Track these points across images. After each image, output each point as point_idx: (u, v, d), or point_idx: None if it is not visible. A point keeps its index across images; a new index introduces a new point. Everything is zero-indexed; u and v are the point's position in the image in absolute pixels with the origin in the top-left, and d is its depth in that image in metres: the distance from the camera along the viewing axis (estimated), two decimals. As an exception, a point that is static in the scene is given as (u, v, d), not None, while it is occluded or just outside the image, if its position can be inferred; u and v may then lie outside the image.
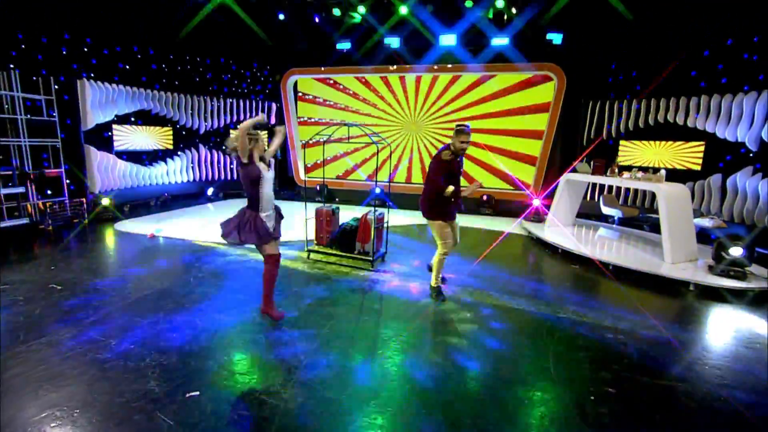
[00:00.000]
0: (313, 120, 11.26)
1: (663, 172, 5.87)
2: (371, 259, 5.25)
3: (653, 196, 8.03)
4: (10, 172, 6.25)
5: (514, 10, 9.07)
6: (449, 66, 9.82)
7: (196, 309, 3.86)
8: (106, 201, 7.41)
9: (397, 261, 5.56)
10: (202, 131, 10.15)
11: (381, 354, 3.17)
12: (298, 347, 3.22)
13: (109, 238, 6.35)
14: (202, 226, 7.24)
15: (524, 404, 2.63)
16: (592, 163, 6.68)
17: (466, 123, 4.01)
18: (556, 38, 8.87)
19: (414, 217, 8.60)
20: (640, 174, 5.94)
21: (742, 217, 6.60)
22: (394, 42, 10.03)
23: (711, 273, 4.89)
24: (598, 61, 8.79)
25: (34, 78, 6.62)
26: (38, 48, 6.90)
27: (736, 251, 4.72)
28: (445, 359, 3.12)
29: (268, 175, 3.42)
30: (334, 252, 5.57)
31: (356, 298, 4.26)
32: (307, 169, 11.48)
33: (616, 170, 6.41)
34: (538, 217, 7.92)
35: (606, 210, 7.93)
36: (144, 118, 8.86)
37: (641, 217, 7.94)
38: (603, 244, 6.39)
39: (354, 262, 5.41)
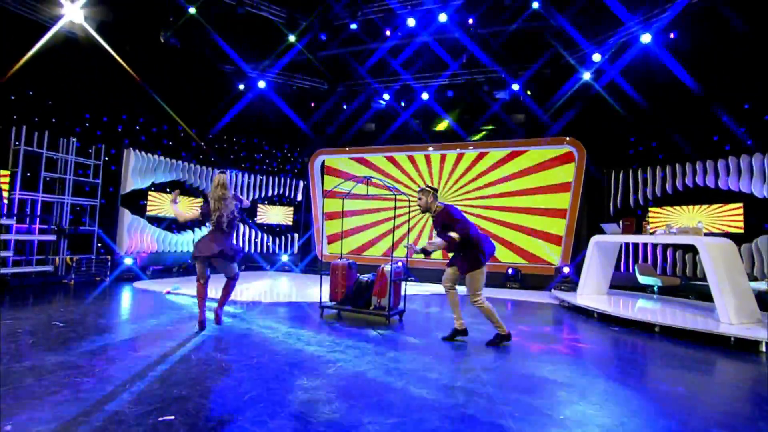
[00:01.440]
0: (338, 190, 11.63)
1: (701, 224, 5.49)
2: (386, 314, 4.90)
3: (694, 262, 7.43)
4: (47, 227, 6.63)
5: (529, 93, 9.75)
6: (465, 143, 10.28)
7: (191, 346, 3.59)
8: (128, 260, 7.58)
9: (415, 323, 5.13)
10: (231, 204, 10.65)
11: None
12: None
13: (125, 293, 6.33)
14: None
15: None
16: (621, 222, 6.39)
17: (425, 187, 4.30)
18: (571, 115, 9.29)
19: (435, 288, 8.22)
20: (675, 229, 5.57)
21: (803, 280, 5.90)
22: (415, 123, 10.80)
23: (779, 331, 4.21)
24: (616, 134, 8.99)
25: (90, 150, 7.42)
26: (99, 125, 7.84)
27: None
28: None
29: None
30: (348, 308, 5.23)
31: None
32: (329, 239, 11.56)
33: (648, 228, 6.06)
34: (568, 286, 7.38)
35: (643, 280, 7.34)
36: (179, 189, 9.47)
37: (684, 286, 7.24)
38: (645, 310, 5.77)
39: (370, 318, 5.06)
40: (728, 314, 4.68)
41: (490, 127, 10.17)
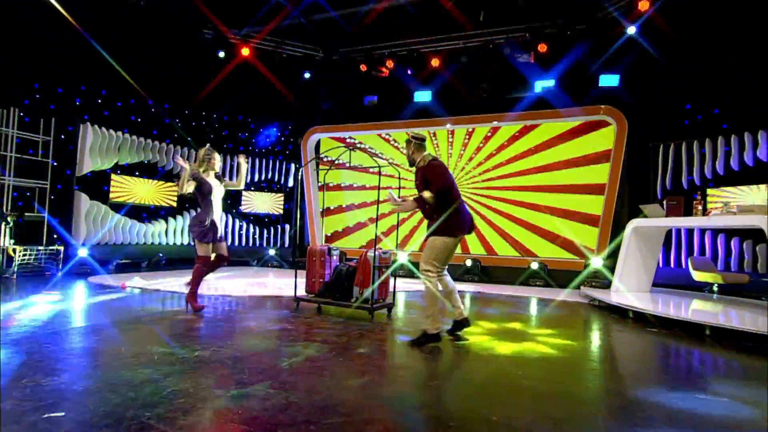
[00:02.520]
0: (335, 185, 11.30)
1: (769, 202, 4.76)
2: (369, 307, 4.48)
3: (768, 256, 6.61)
4: (-12, 212, 6.52)
5: (557, 54, 9.04)
6: (484, 116, 9.67)
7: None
8: (83, 252, 7.42)
9: (405, 321, 4.65)
10: (211, 190, 10.45)
11: None
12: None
13: (77, 288, 6.14)
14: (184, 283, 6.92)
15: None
16: (665, 203, 5.69)
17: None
18: (610, 80, 8.56)
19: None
20: (735, 208, 4.85)
21: None
22: (425, 95, 10.28)
23: None
24: (667, 101, 8.18)
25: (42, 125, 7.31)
26: (53, 96, 7.73)
27: None
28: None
29: (217, 190, 4.56)
30: (326, 300, 4.84)
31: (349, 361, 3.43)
32: (327, 239, 11.23)
33: (699, 208, 5.34)
34: (600, 282, 6.72)
35: (698, 276, 6.58)
36: (149, 171, 9.32)
37: (755, 284, 6.44)
38: (696, 311, 5.09)
39: (352, 312, 4.68)
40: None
41: (516, 96, 9.48)
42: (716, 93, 7.58)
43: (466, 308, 5.59)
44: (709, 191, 7.40)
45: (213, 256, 4.58)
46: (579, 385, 2.78)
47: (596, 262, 6.98)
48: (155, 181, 9.39)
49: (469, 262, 8.88)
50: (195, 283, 4.57)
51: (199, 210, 4.58)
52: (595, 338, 4.29)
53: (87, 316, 4.34)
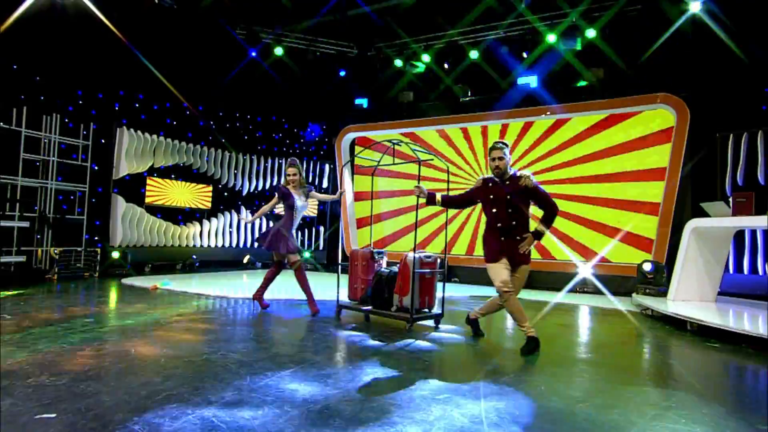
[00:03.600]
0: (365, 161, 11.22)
1: None
2: (409, 317, 4.20)
3: None
4: (34, 214, 7.02)
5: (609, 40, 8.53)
6: (528, 109, 9.29)
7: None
8: (116, 254, 7.82)
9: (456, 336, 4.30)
10: (245, 192, 10.75)
11: None
12: None
13: (111, 289, 6.47)
14: (222, 285, 7.14)
15: None
16: (732, 200, 5.17)
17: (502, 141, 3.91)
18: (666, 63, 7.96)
19: (479, 290, 7.46)
20: (816, 205, 4.31)
21: None
22: (463, 89, 10.04)
23: None
24: (735, 85, 7.49)
25: (84, 130, 7.80)
26: (93, 102, 8.24)
27: None
28: None
29: (299, 204, 4.91)
30: (367, 309, 4.62)
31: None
32: (376, 244, 11.19)
33: (775, 206, 4.80)
34: (656, 290, 6.24)
35: (778, 284, 5.95)
36: (184, 174, 9.71)
37: None
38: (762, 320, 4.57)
39: (395, 323, 4.52)
40: None
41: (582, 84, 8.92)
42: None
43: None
44: (789, 187, 6.69)
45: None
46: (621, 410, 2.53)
47: (649, 267, 6.47)
48: (190, 184, 9.78)
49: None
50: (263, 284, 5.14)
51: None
52: (647, 353, 3.94)
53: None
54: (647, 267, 6.38)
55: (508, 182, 3.70)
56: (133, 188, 8.77)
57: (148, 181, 9.04)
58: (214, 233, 10.24)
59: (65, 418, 2.05)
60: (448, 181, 5.06)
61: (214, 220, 10.25)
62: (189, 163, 9.73)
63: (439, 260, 4.63)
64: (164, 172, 9.40)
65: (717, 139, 7.58)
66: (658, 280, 6.30)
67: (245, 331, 4.09)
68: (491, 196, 3.73)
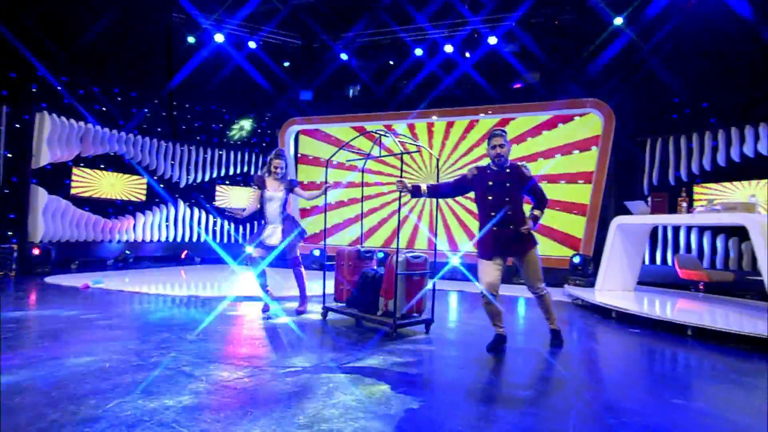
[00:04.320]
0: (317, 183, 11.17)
1: (755, 199, 4.81)
2: (391, 323, 3.88)
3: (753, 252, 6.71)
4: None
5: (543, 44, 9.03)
6: (468, 109, 9.64)
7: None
8: (36, 251, 7.20)
9: (445, 343, 3.89)
10: (182, 184, 10.25)
11: None
12: None
13: (32, 289, 5.94)
14: (161, 282, 6.78)
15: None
16: (650, 199, 5.72)
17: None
18: (596, 72, 8.58)
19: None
20: (719, 205, 4.90)
21: None
22: (406, 85, 10.18)
23: None
24: (655, 95, 8.24)
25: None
26: (5, 82, 7.45)
27: None
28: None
29: (269, 194, 4.65)
30: (350, 312, 4.40)
31: None
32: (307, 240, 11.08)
33: (685, 206, 5.38)
34: (584, 281, 6.77)
35: (684, 274, 6.67)
36: (115, 164, 9.07)
37: (740, 283, 6.54)
38: (680, 310, 5.14)
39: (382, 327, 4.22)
40: (786, 315, 4.04)
41: (501, 87, 9.40)
42: (705, 86, 7.65)
43: (448, 307, 5.56)
44: (695, 188, 7.49)
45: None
46: (554, 388, 2.76)
47: (579, 260, 7.01)
48: (123, 175, 9.16)
49: (456, 260, 8.89)
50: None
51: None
52: (576, 339, 4.29)
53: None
54: (577, 260, 6.89)
55: (508, 170, 3.59)
56: (57, 179, 8.06)
57: (75, 172, 8.36)
58: (149, 227, 9.68)
59: (5, 434, 1.91)
60: (438, 174, 5.14)
61: (149, 213, 9.68)
62: (122, 152, 9.10)
63: (428, 261, 4.36)
64: (93, 162, 8.72)
65: (637, 143, 8.31)
66: (586, 272, 6.83)
67: (184, 331, 3.95)
68: (490, 183, 3.57)
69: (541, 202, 3.69)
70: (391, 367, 3.06)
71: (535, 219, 3.62)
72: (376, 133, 4.56)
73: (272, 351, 3.39)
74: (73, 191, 8.30)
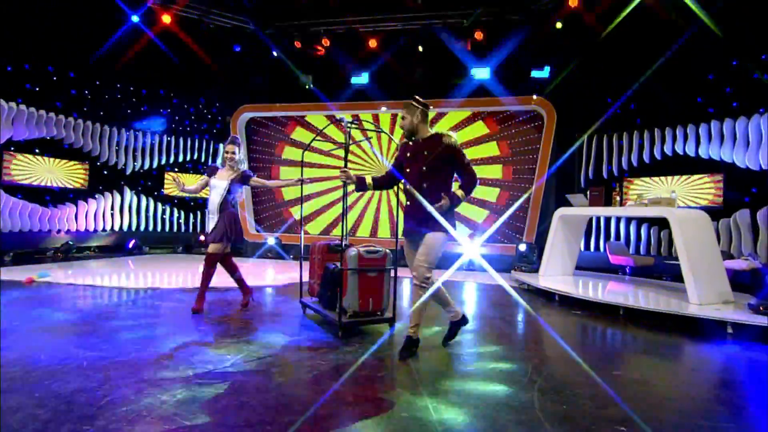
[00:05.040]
0: (272, 159, 10.99)
1: (674, 195, 5.44)
2: (338, 321, 3.66)
3: (671, 241, 7.54)
4: None
5: (493, 42, 9.42)
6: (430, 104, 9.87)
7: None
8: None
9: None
10: (128, 171, 9.73)
11: None
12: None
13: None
14: (111, 274, 6.47)
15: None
16: (588, 193, 6.27)
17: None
18: (541, 73, 9.09)
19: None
20: (646, 200, 5.49)
21: (782, 257, 6.06)
22: (362, 78, 10.22)
23: (750, 311, 4.20)
24: (592, 94, 8.88)
25: None
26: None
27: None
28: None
29: (213, 182, 4.42)
30: (316, 308, 4.18)
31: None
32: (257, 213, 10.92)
33: (618, 200, 5.96)
34: (530, 267, 7.30)
35: (614, 260, 7.38)
36: (53, 149, 8.44)
37: (658, 266, 7.34)
38: (611, 292, 5.73)
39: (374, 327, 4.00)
40: (697, 295, 4.65)
41: (454, 83, 9.71)
42: (633, 89, 8.35)
43: (406, 295, 5.82)
44: (626, 180, 8.23)
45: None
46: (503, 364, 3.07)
47: (525, 248, 7.53)
48: (60, 161, 8.54)
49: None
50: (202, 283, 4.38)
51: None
52: (525, 321, 4.69)
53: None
54: (523, 248, 7.40)
55: (425, 140, 3.26)
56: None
57: (5, 156, 7.70)
58: (93, 215, 9.13)
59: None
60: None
61: (92, 201, 9.12)
62: (60, 137, 8.47)
63: (389, 255, 3.99)
64: (25, 147, 8.06)
65: (576, 139, 8.96)
66: (531, 259, 7.35)
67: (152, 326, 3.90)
68: (408, 155, 3.30)
69: (468, 182, 3.20)
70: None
71: (453, 199, 3.11)
72: (346, 124, 4.21)
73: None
74: (5, 178, 7.66)
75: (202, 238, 4.41)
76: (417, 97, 3.29)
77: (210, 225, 4.38)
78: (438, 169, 3.18)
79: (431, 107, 3.26)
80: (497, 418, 2.22)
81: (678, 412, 2.40)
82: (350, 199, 10.29)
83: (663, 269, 7.35)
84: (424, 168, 3.17)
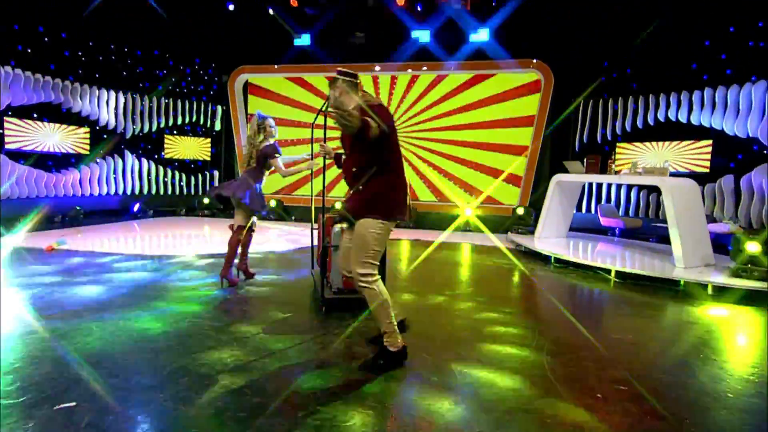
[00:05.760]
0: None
1: (667, 164, 5.65)
2: (321, 296, 3.57)
3: (658, 204, 7.85)
4: None
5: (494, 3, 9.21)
6: (424, 65, 9.77)
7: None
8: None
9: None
10: (128, 135, 9.62)
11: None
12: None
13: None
14: (127, 240, 6.60)
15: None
16: (585, 160, 6.45)
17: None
18: (538, 35, 8.98)
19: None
20: (640, 169, 5.70)
21: (761, 221, 6.41)
22: (360, 38, 9.99)
23: (729, 275, 4.55)
24: (588, 58, 8.86)
25: None
26: None
27: (753, 247, 4.43)
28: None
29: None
30: (316, 280, 4.03)
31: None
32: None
33: (613, 167, 6.17)
34: (526, 229, 7.59)
35: (605, 222, 7.68)
36: (52, 114, 8.29)
37: (646, 228, 7.69)
38: (603, 254, 6.06)
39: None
40: (683, 258, 4.98)
41: (451, 45, 9.58)
42: (629, 53, 8.35)
43: (407, 254, 6.08)
44: (618, 145, 8.41)
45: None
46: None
47: (522, 211, 7.80)
48: (61, 126, 8.41)
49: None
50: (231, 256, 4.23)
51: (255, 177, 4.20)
52: (525, 284, 5.01)
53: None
54: (521, 211, 7.65)
55: None
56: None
57: (5, 122, 7.57)
58: (97, 180, 9.12)
59: (84, 406, 2.10)
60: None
61: (94, 165, 9.07)
62: (57, 101, 8.29)
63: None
64: (24, 112, 7.90)
65: (572, 104, 9.03)
66: (527, 222, 7.62)
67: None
68: (342, 135, 2.82)
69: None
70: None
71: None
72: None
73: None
74: (6, 145, 7.57)
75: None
76: (340, 68, 2.69)
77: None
78: (361, 149, 2.62)
79: (357, 77, 2.68)
80: (515, 378, 2.51)
81: (667, 372, 2.72)
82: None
83: (650, 231, 7.70)
84: (353, 146, 2.69)
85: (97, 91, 8.92)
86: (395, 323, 2.61)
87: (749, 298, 4.26)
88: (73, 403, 2.11)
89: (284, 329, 3.24)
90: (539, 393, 2.37)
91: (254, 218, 4.37)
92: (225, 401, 2.18)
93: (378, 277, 2.61)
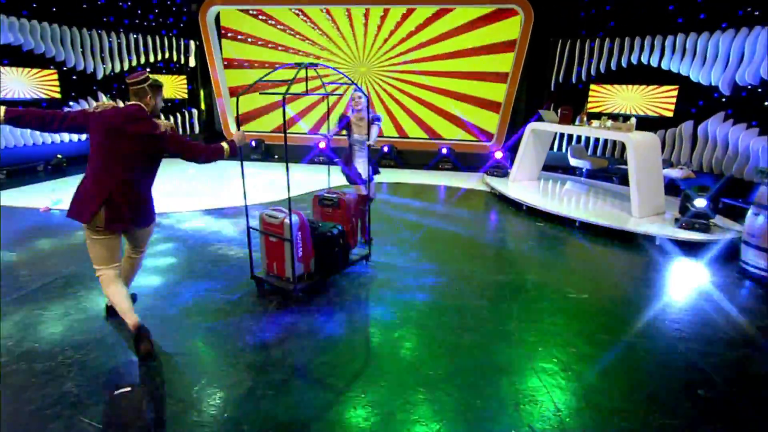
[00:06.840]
0: (243, 61, 10.45)
1: (633, 120, 5.94)
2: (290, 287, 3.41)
3: (623, 145, 8.24)
4: None
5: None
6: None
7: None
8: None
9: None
10: (100, 75, 9.09)
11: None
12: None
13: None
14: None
15: (491, 372, 2.59)
16: (559, 111, 6.66)
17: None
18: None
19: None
20: (609, 123, 5.99)
21: (711, 166, 6.91)
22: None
23: (676, 226, 5.11)
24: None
25: None
26: None
27: (700, 203, 4.92)
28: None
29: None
30: None
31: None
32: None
33: (585, 119, 6.43)
34: (501, 171, 7.95)
35: (574, 162, 8.08)
36: (14, 57, 7.71)
37: (610, 169, 8.16)
38: (570, 199, 6.52)
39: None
40: (638, 209, 5.48)
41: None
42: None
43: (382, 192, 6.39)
44: (591, 86, 8.55)
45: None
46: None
47: (496, 154, 8.10)
48: (25, 69, 7.87)
49: (385, 148, 9.53)
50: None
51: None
52: (500, 237, 5.48)
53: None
54: (499, 155, 7.95)
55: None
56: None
57: (-28, 70, 7.07)
58: (73, 126, 8.77)
59: (145, 389, 2.49)
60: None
61: (68, 110, 8.66)
62: (17, 42, 7.68)
63: (289, 224, 3.31)
64: (-12, 56, 7.34)
65: (550, 44, 8.93)
66: (503, 165, 7.96)
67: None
68: None
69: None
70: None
71: None
72: (298, 65, 3.45)
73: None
74: (-23, 94, 7.15)
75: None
76: (147, 75, 2.71)
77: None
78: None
79: (156, 79, 2.77)
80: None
81: (623, 320, 3.30)
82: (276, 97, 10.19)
83: (613, 171, 8.19)
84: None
85: (58, 29, 8.24)
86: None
87: (691, 249, 4.84)
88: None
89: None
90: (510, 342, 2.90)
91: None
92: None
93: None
